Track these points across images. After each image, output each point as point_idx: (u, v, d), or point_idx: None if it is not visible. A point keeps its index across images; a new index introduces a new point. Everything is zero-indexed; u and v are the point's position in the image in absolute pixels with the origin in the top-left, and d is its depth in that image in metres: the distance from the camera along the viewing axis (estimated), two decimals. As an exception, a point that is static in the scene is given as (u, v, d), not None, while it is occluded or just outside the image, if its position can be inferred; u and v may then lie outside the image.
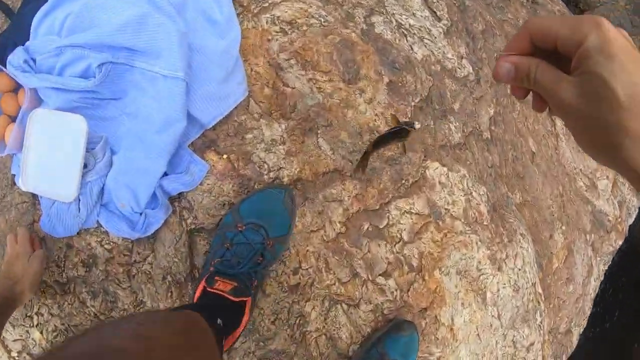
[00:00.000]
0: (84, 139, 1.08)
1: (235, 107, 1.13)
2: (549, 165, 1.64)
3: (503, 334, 1.36)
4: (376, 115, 1.21)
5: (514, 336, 1.39)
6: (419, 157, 1.24)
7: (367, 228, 1.15)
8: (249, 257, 0.98)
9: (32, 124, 1.06)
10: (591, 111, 0.44)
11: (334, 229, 1.12)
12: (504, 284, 1.34)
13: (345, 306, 1.13)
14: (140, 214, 1.10)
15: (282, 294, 1.09)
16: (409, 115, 1.25)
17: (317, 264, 1.11)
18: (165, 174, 1.11)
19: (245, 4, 1.24)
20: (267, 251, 1.01)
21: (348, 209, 1.14)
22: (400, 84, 1.26)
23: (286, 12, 1.24)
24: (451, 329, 1.24)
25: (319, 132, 1.15)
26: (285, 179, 1.11)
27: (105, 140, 1.11)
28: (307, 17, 1.25)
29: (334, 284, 1.12)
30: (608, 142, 0.44)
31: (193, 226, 1.10)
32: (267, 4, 1.25)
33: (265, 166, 1.11)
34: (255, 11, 1.23)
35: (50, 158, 1.07)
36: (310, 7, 1.27)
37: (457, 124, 1.35)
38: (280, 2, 1.25)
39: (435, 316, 1.22)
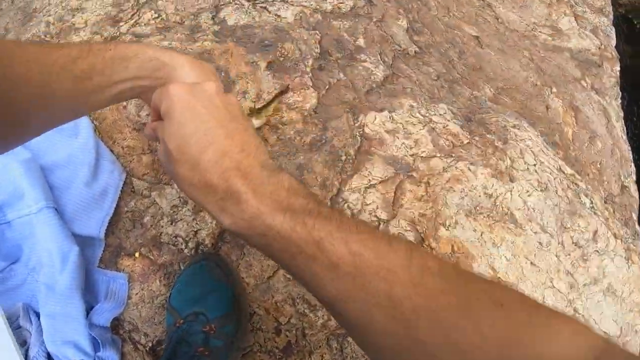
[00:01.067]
0: (3, 320, 0.72)
1: (120, 197, 0.72)
2: (500, 39, 1.10)
3: (559, 242, 0.86)
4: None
5: (572, 237, 0.88)
6: (346, 120, 0.77)
7: (332, 234, 0.70)
8: (180, 352, 0.57)
9: None
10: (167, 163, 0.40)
11: (293, 261, 0.68)
12: (527, 191, 0.84)
13: (358, 334, 0.68)
14: (94, 360, 0.72)
15: (281, 363, 0.67)
16: (311, 84, 0.79)
17: (296, 309, 0.67)
18: (92, 307, 0.72)
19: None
20: (212, 338, 0.59)
21: (296, 229, 0.69)
22: (282, 58, 0.80)
23: (129, 64, 0.82)
24: (497, 279, 0.76)
25: (215, 166, 0.72)
26: (207, 240, 0.68)
27: (23, 308, 0.74)
28: (151, 55, 0.82)
29: (329, 319, 0.67)
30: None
31: (150, 344, 0.70)
32: (109, 69, 0.83)
33: (180, 239, 0.69)
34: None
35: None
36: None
37: (372, 58, 0.87)
38: (121, 59, 0.83)
39: (470, 277, 0.74)
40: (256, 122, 0.73)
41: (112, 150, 0.76)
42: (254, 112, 0.71)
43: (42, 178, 0.73)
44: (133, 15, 0.90)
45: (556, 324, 0.29)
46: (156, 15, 0.89)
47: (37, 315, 0.75)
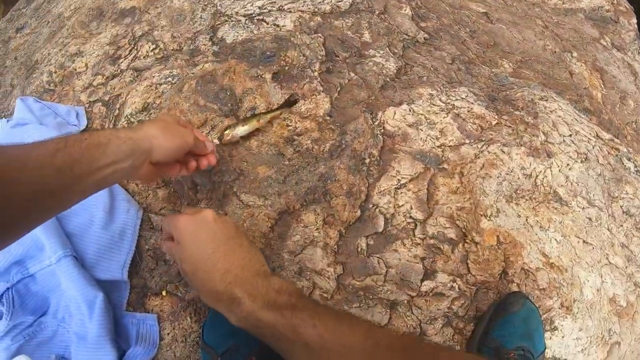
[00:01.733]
0: (37, 375, 0.68)
1: (139, 236, 0.67)
2: (509, 11, 1.01)
3: (609, 214, 0.76)
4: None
5: (621, 206, 0.79)
6: (364, 120, 0.70)
7: (367, 243, 0.63)
8: None
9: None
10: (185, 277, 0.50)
11: (328, 277, 0.62)
12: (567, 165, 0.75)
13: (413, 347, 0.61)
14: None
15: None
16: (321, 89, 0.72)
17: (344, 331, 0.60)
18: (125, 352, 0.67)
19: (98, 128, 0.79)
20: None
21: (327, 243, 0.62)
22: (287, 67, 0.74)
23: (135, 101, 0.77)
24: (550, 265, 0.68)
25: (234, 190, 0.66)
26: (239, 269, 0.62)
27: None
28: (155, 88, 0.77)
29: (380, 335, 0.61)
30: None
31: (194, 385, 0.64)
32: (116, 112, 0.78)
33: (210, 272, 0.63)
34: (109, 126, 0.78)
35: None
36: (153, 76, 0.79)
37: (381, 52, 0.80)
38: (126, 98, 0.79)
39: (522, 268, 0.66)
40: (242, 129, 0.66)
41: (126, 189, 0.71)
42: (240, 121, 0.65)
43: (58, 227, 0.68)
44: (131, 50, 0.85)
45: None
46: (154, 46, 0.84)
47: (72, 364, 0.71)
